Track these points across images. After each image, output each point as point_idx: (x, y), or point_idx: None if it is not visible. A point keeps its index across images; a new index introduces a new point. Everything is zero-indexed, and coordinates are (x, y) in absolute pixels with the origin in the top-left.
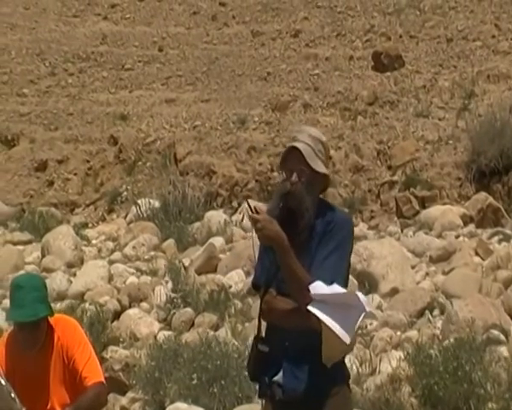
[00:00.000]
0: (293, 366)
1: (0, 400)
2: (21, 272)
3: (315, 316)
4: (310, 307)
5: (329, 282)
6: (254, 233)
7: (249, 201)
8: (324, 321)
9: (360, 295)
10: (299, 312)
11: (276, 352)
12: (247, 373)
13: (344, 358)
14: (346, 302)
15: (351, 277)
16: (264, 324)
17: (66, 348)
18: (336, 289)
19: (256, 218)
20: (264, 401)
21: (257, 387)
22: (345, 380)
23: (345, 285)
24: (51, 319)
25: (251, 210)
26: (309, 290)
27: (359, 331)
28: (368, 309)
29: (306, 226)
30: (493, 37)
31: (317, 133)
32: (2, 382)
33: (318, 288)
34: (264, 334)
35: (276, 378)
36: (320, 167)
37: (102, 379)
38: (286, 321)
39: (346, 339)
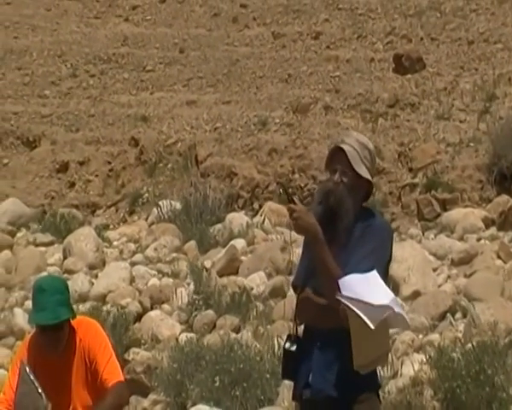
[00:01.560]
0: (322, 368)
1: (27, 394)
2: (43, 273)
3: (343, 311)
4: (338, 297)
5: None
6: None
7: (287, 189)
8: (351, 307)
9: (392, 298)
10: (331, 309)
11: (307, 352)
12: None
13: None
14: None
15: None
16: (301, 327)
17: (88, 350)
18: (369, 282)
19: (292, 208)
20: (295, 404)
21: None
22: (374, 388)
23: None
24: (73, 321)
25: (288, 199)
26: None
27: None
28: (397, 310)
29: (345, 228)
30: None
31: (364, 139)
32: (31, 376)
33: (347, 282)
34: (300, 334)
35: (305, 378)
36: (364, 172)
37: (122, 379)
38: (318, 318)
39: (371, 324)
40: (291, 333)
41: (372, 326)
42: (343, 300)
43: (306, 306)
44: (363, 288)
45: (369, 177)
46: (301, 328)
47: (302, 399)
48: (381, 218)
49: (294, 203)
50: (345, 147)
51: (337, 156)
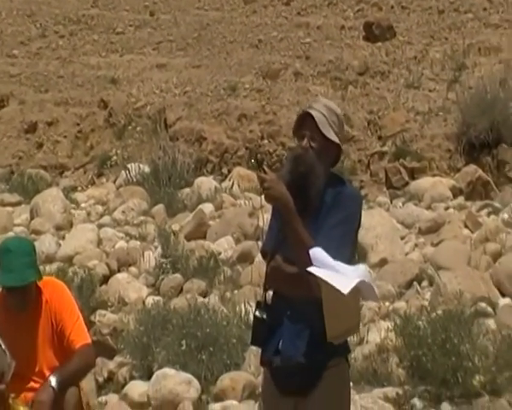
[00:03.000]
0: (293, 335)
1: None
2: (10, 233)
3: (316, 282)
4: (309, 269)
5: (334, 251)
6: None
7: (258, 159)
8: (322, 277)
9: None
10: (301, 278)
11: (278, 319)
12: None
13: None
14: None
15: None
16: (269, 292)
17: (54, 311)
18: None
19: (263, 177)
20: (263, 370)
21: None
22: (344, 354)
23: (350, 260)
24: (40, 282)
25: (259, 168)
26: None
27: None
28: (368, 280)
29: (316, 195)
30: (484, 9)
31: (332, 105)
32: None
33: (318, 254)
34: (270, 301)
35: (274, 346)
36: (332, 136)
37: (89, 341)
38: (288, 287)
39: (345, 289)
40: (261, 300)
41: (345, 292)
42: (314, 271)
43: (277, 274)
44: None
45: (337, 140)
46: (270, 294)
47: (272, 366)
48: (351, 185)
49: (265, 172)
50: (313, 112)
51: (305, 122)
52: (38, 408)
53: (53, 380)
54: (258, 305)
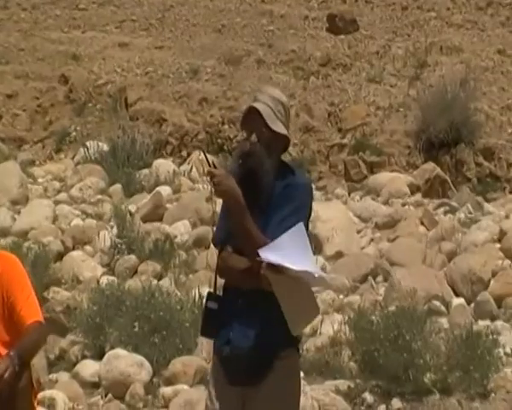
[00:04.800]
0: (243, 325)
1: None
2: None
3: (268, 278)
4: (259, 258)
5: None
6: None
7: (206, 154)
8: (272, 261)
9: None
10: (252, 271)
11: (228, 309)
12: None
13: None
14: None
15: None
16: (220, 281)
17: (5, 285)
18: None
19: (213, 172)
20: (213, 359)
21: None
22: (294, 344)
23: None
24: None
25: (208, 163)
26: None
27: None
28: (318, 275)
29: (265, 188)
30: (448, 9)
31: (278, 94)
32: None
33: (267, 254)
34: (221, 291)
35: (225, 335)
36: (280, 128)
37: (41, 318)
38: (240, 279)
39: (294, 266)
40: (211, 291)
41: (295, 268)
42: (264, 258)
43: (227, 266)
44: (285, 253)
45: (285, 132)
46: (221, 284)
47: (222, 355)
48: (301, 174)
49: (215, 167)
50: (258, 106)
51: (252, 116)
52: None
53: (13, 354)
54: (210, 296)
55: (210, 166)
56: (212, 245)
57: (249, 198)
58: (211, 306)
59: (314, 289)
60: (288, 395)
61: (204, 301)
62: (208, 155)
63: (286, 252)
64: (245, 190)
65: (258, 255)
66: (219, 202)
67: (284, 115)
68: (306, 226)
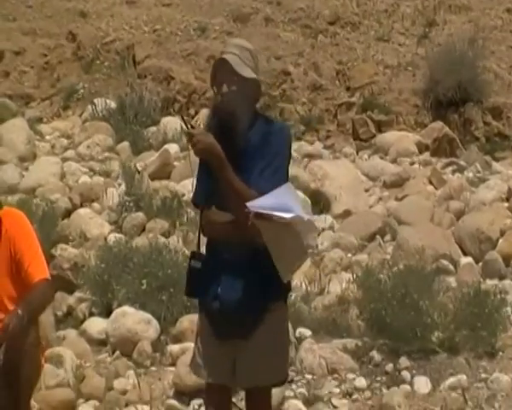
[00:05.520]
0: (230, 279)
1: None
2: None
3: (253, 226)
4: (247, 209)
5: (268, 191)
6: (190, 148)
7: (184, 116)
8: (261, 211)
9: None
10: (239, 224)
11: (215, 266)
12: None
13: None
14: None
15: (304, 196)
16: (203, 241)
17: (13, 241)
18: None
19: (191, 132)
20: (200, 315)
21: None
22: (283, 296)
23: None
24: (0, 212)
25: (186, 125)
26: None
27: (310, 250)
28: (306, 218)
29: (241, 136)
30: None
31: (243, 42)
32: None
33: (256, 204)
34: (204, 250)
35: (213, 291)
36: (249, 73)
37: (48, 276)
38: (226, 234)
39: (286, 215)
40: (195, 250)
41: (288, 215)
42: (253, 209)
43: (212, 221)
44: (272, 202)
45: (254, 76)
46: (204, 242)
47: (210, 311)
48: (278, 121)
49: (192, 128)
50: (225, 56)
51: (220, 68)
52: (9, 332)
53: (20, 310)
54: (193, 255)
55: (188, 128)
56: None
57: (227, 149)
58: (194, 265)
59: (321, 247)
60: (279, 346)
61: (188, 262)
62: (186, 118)
63: (273, 203)
64: (222, 141)
65: (245, 207)
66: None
67: (252, 61)
68: (287, 171)
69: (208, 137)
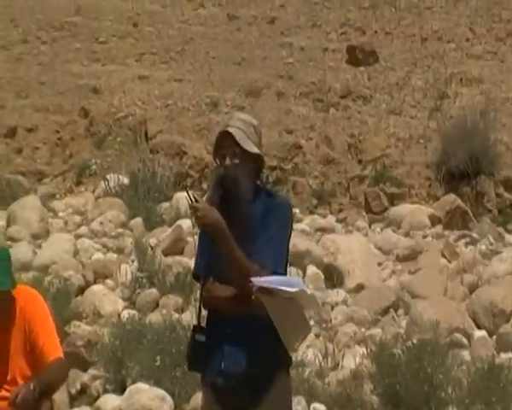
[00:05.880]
0: (234, 353)
1: None
2: None
3: (257, 299)
4: (251, 284)
5: (271, 267)
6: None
7: (188, 190)
8: (266, 285)
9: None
10: (241, 298)
11: (216, 340)
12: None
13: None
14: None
15: (317, 270)
16: (204, 314)
17: (28, 320)
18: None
19: (195, 206)
20: (204, 390)
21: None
22: (286, 366)
23: (284, 271)
24: (14, 290)
25: (190, 199)
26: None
27: (323, 325)
28: (310, 292)
29: (244, 210)
30: (467, 40)
31: (247, 117)
32: None
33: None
34: (205, 323)
35: (217, 366)
36: (252, 148)
37: (61, 355)
38: (228, 307)
39: (290, 289)
40: (196, 324)
41: (293, 290)
42: (257, 283)
43: (214, 296)
44: (276, 281)
45: (257, 151)
46: (205, 316)
47: (215, 386)
48: (280, 196)
49: (196, 201)
50: (230, 129)
51: (224, 141)
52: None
53: (32, 385)
54: (196, 329)
55: (192, 201)
56: None
57: (230, 224)
58: (199, 339)
59: (335, 321)
60: None
61: (191, 335)
62: (190, 191)
63: (277, 280)
64: (225, 216)
65: (249, 280)
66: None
67: (256, 136)
68: (288, 248)
69: (213, 211)
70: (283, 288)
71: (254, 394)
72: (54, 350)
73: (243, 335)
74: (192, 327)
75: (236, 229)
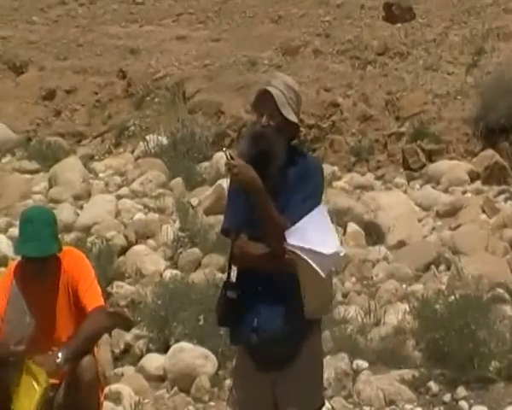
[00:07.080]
0: (267, 310)
1: (15, 310)
2: (29, 201)
3: (290, 258)
4: (286, 246)
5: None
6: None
7: (225, 148)
8: (302, 256)
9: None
10: (273, 255)
11: (248, 297)
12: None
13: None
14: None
15: (358, 227)
16: (234, 270)
17: (71, 280)
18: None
19: (232, 164)
20: (238, 348)
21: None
22: (318, 320)
23: None
24: (59, 252)
25: (227, 157)
26: (285, 237)
27: (365, 282)
28: (342, 254)
29: (278, 170)
30: None
31: (291, 81)
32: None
33: (295, 232)
34: (234, 279)
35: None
36: (291, 115)
37: (102, 303)
38: (260, 265)
39: (322, 272)
40: (228, 280)
41: (323, 275)
42: (293, 249)
43: (246, 252)
44: (311, 235)
45: (295, 120)
46: (235, 272)
47: (249, 344)
48: (312, 158)
49: (232, 159)
50: (271, 90)
51: (264, 99)
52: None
53: (59, 355)
54: (227, 285)
55: (228, 159)
56: None
57: (263, 181)
58: (230, 295)
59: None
60: (317, 371)
61: (221, 291)
62: (228, 150)
63: (309, 236)
64: (258, 172)
65: (284, 239)
66: None
67: (296, 103)
68: None
69: (249, 169)
70: (317, 268)
71: (288, 349)
72: (93, 301)
73: (275, 292)
74: (223, 283)
75: (269, 187)
